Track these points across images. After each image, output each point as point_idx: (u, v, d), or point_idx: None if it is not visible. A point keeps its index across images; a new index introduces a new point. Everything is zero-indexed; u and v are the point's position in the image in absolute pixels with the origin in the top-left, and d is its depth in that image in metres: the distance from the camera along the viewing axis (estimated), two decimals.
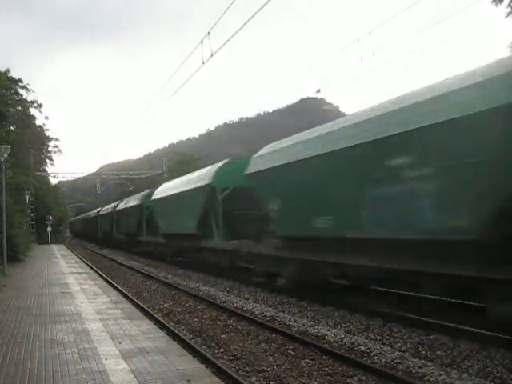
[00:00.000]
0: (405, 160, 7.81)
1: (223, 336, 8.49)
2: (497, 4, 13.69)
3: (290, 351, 7.38)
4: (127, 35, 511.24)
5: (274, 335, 8.37)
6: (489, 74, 6.79)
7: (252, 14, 9.16)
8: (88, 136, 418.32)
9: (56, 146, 50.97)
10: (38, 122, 44.40)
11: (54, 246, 42.94)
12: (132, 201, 31.78)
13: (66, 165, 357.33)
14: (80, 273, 18.23)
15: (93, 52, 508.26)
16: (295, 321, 9.47)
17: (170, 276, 18.48)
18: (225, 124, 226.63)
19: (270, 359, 6.98)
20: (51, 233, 49.76)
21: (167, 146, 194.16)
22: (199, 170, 20.86)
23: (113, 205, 39.60)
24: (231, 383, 5.82)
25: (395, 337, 7.95)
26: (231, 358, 7.16)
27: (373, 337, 8.05)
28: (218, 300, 12.32)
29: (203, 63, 11.58)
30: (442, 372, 6.09)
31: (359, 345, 7.57)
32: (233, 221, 15.61)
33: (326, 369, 6.47)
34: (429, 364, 6.45)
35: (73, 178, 76.04)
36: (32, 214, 44.80)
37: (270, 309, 10.81)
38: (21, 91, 36.41)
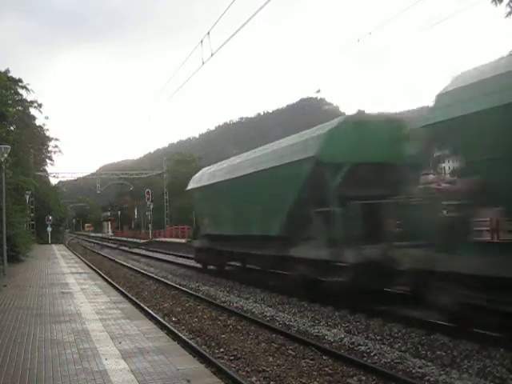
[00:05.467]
0: None
1: (223, 336, 8.50)
2: (497, 4, 13.65)
3: (289, 351, 7.38)
4: (127, 35, 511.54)
5: (273, 335, 8.37)
6: None
7: (252, 14, 9.15)
8: (88, 136, 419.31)
9: (56, 146, 51.22)
10: (37, 122, 44.58)
11: (54, 246, 42.84)
12: None
13: (66, 165, 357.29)
14: (80, 273, 18.20)
15: (93, 52, 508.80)
16: (295, 321, 9.48)
17: (169, 276, 18.49)
18: (225, 124, 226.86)
19: (270, 359, 6.98)
20: (51, 233, 49.67)
21: (167, 145, 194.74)
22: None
23: None
24: (231, 383, 5.82)
25: (395, 337, 7.95)
26: (231, 357, 7.16)
27: (373, 337, 8.05)
28: (218, 300, 12.33)
29: (203, 63, 11.56)
30: (442, 372, 6.10)
31: (359, 345, 7.57)
32: None
33: (326, 369, 6.47)
34: (429, 364, 6.46)
35: (73, 178, 75.87)
36: (32, 214, 44.73)
37: (270, 309, 10.81)
38: (21, 91, 36.54)
